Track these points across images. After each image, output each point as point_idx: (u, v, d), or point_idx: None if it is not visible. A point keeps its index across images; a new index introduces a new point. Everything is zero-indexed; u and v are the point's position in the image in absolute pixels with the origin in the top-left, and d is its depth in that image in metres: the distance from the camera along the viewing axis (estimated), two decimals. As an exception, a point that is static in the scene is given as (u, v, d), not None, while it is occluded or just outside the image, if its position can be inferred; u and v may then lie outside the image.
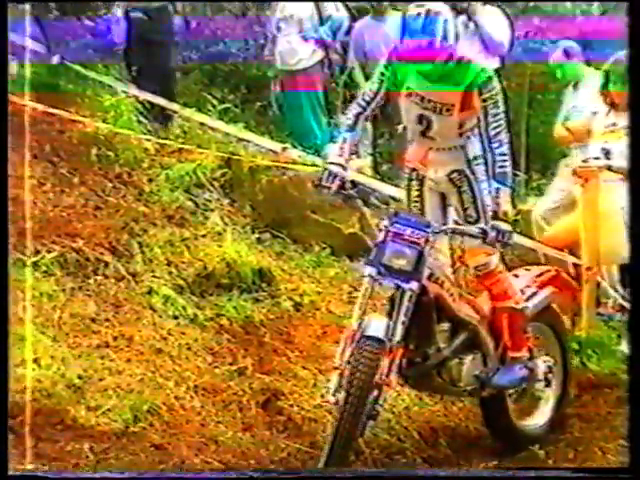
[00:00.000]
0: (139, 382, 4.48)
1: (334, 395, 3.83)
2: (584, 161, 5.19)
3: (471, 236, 4.07)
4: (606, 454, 4.39)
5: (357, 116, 4.19)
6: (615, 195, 5.10)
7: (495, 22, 6.69)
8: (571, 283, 4.76)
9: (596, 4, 8.79)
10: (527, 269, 4.68)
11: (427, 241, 3.92)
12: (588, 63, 6.02)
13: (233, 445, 4.18)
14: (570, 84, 6.14)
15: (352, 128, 4.17)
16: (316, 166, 6.38)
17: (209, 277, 5.37)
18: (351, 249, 5.98)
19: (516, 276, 4.50)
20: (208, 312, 5.16)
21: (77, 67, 6.80)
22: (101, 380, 4.43)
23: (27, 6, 6.44)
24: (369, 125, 6.64)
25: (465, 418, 4.62)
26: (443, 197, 4.30)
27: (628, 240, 4.25)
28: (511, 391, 4.42)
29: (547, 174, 6.40)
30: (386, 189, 5.87)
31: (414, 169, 4.29)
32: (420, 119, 4.17)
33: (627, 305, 5.15)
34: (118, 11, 6.80)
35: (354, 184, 4.14)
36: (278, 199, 6.22)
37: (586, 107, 5.68)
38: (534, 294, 4.45)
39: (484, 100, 4.04)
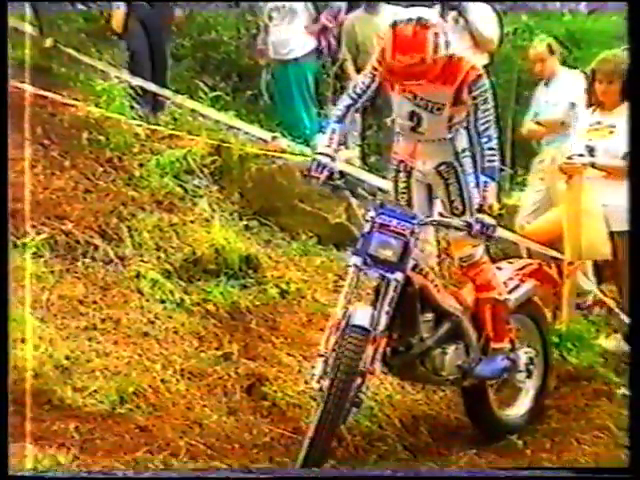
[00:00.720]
0: (126, 364, 4.46)
1: (318, 382, 3.83)
2: (569, 158, 5.19)
3: (456, 228, 4.08)
4: (582, 445, 4.42)
5: (348, 108, 4.16)
6: (597, 192, 5.12)
7: (485, 19, 6.68)
8: (553, 277, 4.77)
9: (583, 4, 8.81)
10: (510, 262, 4.70)
11: (412, 232, 3.92)
12: (563, 61, 6.06)
13: (217, 429, 4.18)
14: (543, 80, 6.18)
15: (341, 120, 4.14)
16: (305, 156, 6.37)
17: (197, 262, 5.35)
18: (337, 238, 5.98)
19: (499, 269, 4.51)
20: (195, 297, 5.14)
21: (70, 51, 6.75)
22: (88, 362, 4.41)
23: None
24: (358, 117, 6.63)
25: (446, 407, 4.64)
26: (430, 189, 4.29)
27: (628, 240, 4.26)
28: (493, 381, 4.43)
29: (531, 169, 6.41)
30: (374, 180, 5.86)
31: (402, 161, 4.28)
32: (411, 116, 4.15)
33: (607, 300, 5.19)
34: None
35: (342, 175, 4.13)
36: (266, 187, 6.21)
37: (560, 102, 5.72)
38: (516, 287, 4.47)
39: (474, 97, 4.03)
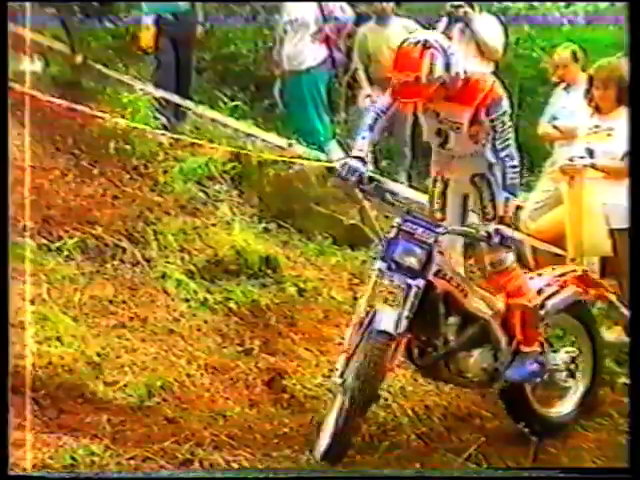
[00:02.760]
0: (153, 360, 4.49)
1: (341, 377, 3.85)
2: (570, 160, 5.17)
3: (475, 238, 4.01)
4: (586, 431, 4.45)
5: (375, 120, 4.11)
6: (598, 192, 5.10)
7: (490, 29, 6.66)
8: (598, 282, 4.64)
9: (582, 14, 8.76)
10: (553, 268, 4.58)
11: (436, 241, 3.89)
12: (583, 68, 5.97)
13: (240, 420, 4.19)
14: (561, 85, 6.10)
15: (371, 129, 4.08)
16: (320, 161, 6.39)
17: (219, 263, 5.37)
18: (351, 239, 5.98)
19: (540, 275, 4.43)
20: (217, 296, 5.16)
21: (98, 66, 6.80)
22: (118, 358, 4.44)
23: (53, 9, 6.45)
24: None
25: (456, 397, 4.61)
26: (465, 200, 4.23)
27: (628, 239, 4.24)
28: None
29: (535, 171, 6.38)
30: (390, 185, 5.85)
31: (439, 172, 4.25)
32: (439, 132, 4.12)
33: (608, 294, 5.16)
34: (149, 18, 6.76)
35: (372, 180, 4.11)
36: (284, 191, 6.23)
37: (577, 109, 5.65)
38: (555, 293, 4.33)
39: (491, 120, 3.96)
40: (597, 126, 5.25)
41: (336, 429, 3.80)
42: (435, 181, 4.28)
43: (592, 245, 5.04)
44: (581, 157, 5.15)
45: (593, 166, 5.10)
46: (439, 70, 3.88)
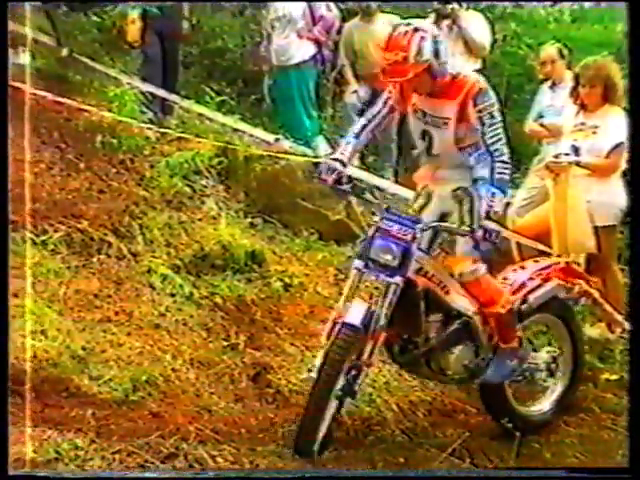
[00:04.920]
0: (138, 355, 4.47)
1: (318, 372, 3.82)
2: (555, 157, 5.19)
3: (459, 234, 3.98)
4: (568, 427, 4.48)
5: (364, 127, 4.14)
6: (582, 189, 5.12)
7: (477, 26, 6.66)
8: (582, 274, 4.62)
9: (567, 13, 8.79)
10: (536, 260, 4.56)
11: (414, 238, 3.86)
12: (569, 66, 5.98)
13: (225, 414, 4.18)
14: (547, 83, 6.11)
15: (358, 136, 4.13)
16: (306, 156, 6.38)
17: (205, 258, 5.35)
18: (337, 234, 5.97)
19: (523, 268, 4.40)
20: (203, 291, 5.15)
21: (85, 59, 6.76)
22: (103, 352, 4.42)
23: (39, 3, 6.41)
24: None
25: (440, 393, 4.62)
26: (444, 214, 4.15)
27: (628, 239, 4.26)
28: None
29: (522, 168, 6.39)
30: (374, 180, 5.85)
31: (424, 187, 4.23)
32: (423, 135, 4.11)
33: (591, 291, 5.18)
34: (135, 12, 6.73)
35: (350, 179, 4.08)
36: (270, 186, 6.21)
37: (563, 107, 5.67)
38: (537, 287, 4.31)
39: (479, 111, 3.96)
40: (583, 124, 5.26)
41: (300, 422, 3.81)
42: (418, 195, 4.25)
43: (577, 242, 5.06)
44: (566, 154, 5.17)
45: (578, 163, 5.12)
46: (427, 53, 3.90)
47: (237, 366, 4.58)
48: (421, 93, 4.05)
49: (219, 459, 3.73)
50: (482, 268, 4.11)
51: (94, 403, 4.02)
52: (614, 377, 4.86)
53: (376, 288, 4.15)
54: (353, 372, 3.81)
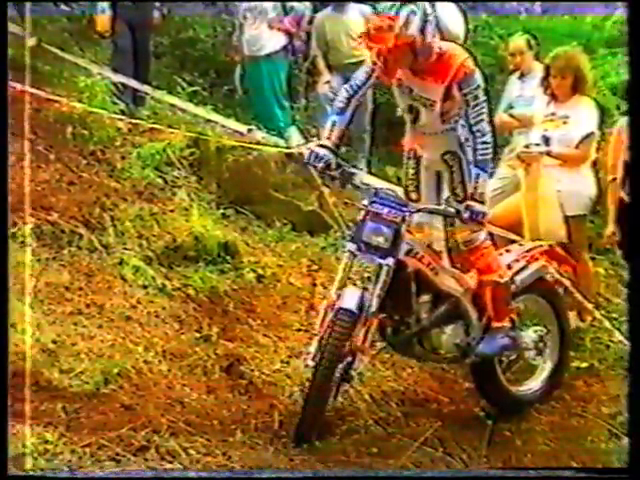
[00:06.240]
0: (110, 347, 4.43)
1: (313, 360, 3.85)
2: (526, 147, 5.20)
3: (445, 215, 4.06)
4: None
5: (348, 99, 4.10)
6: (553, 179, 5.14)
7: (451, 16, 6.63)
8: (566, 257, 4.69)
9: (538, 4, 8.80)
10: (520, 244, 4.66)
11: (404, 220, 3.92)
12: (537, 57, 6.00)
13: (197, 406, 4.15)
14: (516, 73, 6.13)
15: (343, 111, 4.09)
16: (279, 147, 6.35)
17: (177, 249, 5.32)
18: (310, 225, 5.96)
19: (508, 251, 4.48)
20: (176, 282, 5.11)
21: (54, 49, 6.67)
22: (74, 345, 4.37)
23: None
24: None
25: (414, 383, 4.64)
26: (438, 176, 4.24)
27: (629, 239, 4.27)
28: (502, 359, 4.40)
29: (494, 158, 6.41)
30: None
31: (411, 149, 4.25)
32: (410, 109, 4.13)
33: (563, 280, 5.20)
34: (105, 2, 6.65)
35: (339, 166, 4.08)
36: (243, 177, 6.18)
37: (533, 97, 5.68)
38: (523, 268, 4.40)
39: (464, 94, 3.99)
40: (553, 114, 5.28)
41: (304, 406, 3.85)
42: (408, 158, 4.28)
43: (548, 231, 5.08)
44: (537, 144, 5.19)
45: (549, 153, 5.14)
46: (413, 28, 3.90)
47: (210, 358, 4.55)
48: (403, 68, 4.03)
49: (191, 451, 3.72)
50: (482, 234, 4.19)
51: (64, 396, 3.98)
52: (584, 365, 4.91)
53: (362, 273, 4.18)
54: (349, 358, 3.85)
